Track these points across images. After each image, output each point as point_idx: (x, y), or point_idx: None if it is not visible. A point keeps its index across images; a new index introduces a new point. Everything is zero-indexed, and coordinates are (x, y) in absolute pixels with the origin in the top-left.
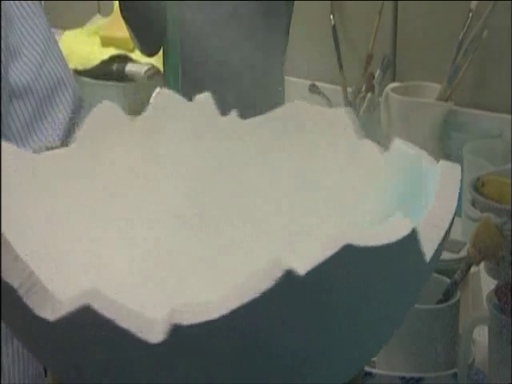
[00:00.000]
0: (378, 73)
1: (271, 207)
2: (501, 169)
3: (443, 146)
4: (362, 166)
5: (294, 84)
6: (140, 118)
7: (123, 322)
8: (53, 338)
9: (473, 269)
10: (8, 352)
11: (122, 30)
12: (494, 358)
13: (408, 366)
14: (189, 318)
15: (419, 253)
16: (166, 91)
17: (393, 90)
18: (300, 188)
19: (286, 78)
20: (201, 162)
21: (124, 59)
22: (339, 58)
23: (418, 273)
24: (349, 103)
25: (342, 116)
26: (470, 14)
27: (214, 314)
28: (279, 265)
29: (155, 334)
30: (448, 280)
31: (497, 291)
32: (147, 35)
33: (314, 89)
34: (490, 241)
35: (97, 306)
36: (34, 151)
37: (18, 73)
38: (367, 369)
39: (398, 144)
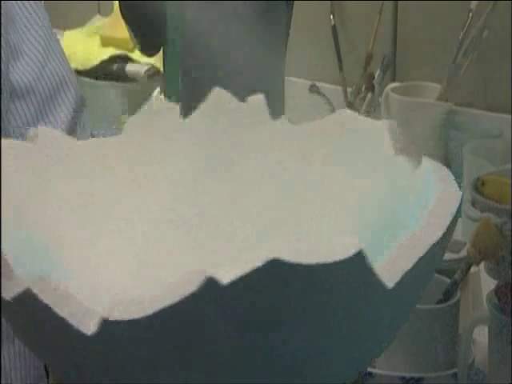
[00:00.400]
0: (377, 73)
1: (274, 209)
2: (501, 169)
3: (443, 146)
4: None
5: (294, 84)
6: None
7: (62, 310)
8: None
9: (473, 269)
10: (9, 353)
11: (122, 30)
12: (494, 358)
13: (408, 366)
14: (118, 315)
15: (369, 274)
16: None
17: (393, 90)
18: (312, 195)
19: (286, 78)
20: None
21: (124, 59)
22: (339, 58)
23: (375, 295)
24: (349, 103)
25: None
26: (470, 14)
27: (139, 313)
28: (203, 272)
29: (90, 326)
30: (448, 280)
31: (497, 291)
32: (147, 35)
33: (314, 89)
34: (490, 241)
35: (37, 291)
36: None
37: (20, 73)
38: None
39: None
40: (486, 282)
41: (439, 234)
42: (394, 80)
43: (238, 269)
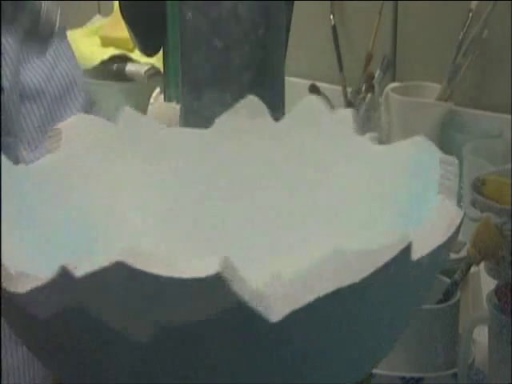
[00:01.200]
0: (377, 73)
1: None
2: (501, 169)
3: (443, 146)
4: (368, 166)
5: (294, 84)
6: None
7: None
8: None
9: (473, 269)
10: (18, 353)
11: (122, 30)
12: (494, 358)
13: (408, 366)
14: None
15: (227, 294)
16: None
17: (393, 90)
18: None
19: (286, 78)
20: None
21: (124, 59)
22: (339, 58)
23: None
24: (349, 103)
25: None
26: (470, 14)
27: None
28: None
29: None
30: (448, 280)
31: (497, 291)
32: (147, 35)
33: (313, 89)
34: (490, 241)
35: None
36: None
37: (31, 74)
38: None
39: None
40: (486, 281)
41: (444, 237)
42: (394, 80)
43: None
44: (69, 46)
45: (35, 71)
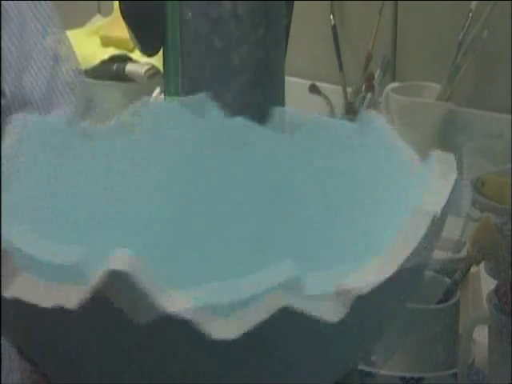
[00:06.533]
0: (378, 73)
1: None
2: (501, 169)
3: (443, 146)
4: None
5: (294, 84)
6: None
7: None
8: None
9: (473, 269)
10: (16, 373)
11: (122, 30)
12: (494, 358)
13: (408, 366)
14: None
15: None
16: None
17: (393, 90)
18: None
19: (286, 78)
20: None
21: (124, 59)
22: (339, 58)
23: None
24: (349, 103)
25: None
26: (470, 14)
27: None
28: None
29: None
30: (448, 280)
31: (497, 291)
32: (147, 35)
33: (314, 89)
34: (489, 241)
35: None
36: None
37: (33, 79)
38: (367, 369)
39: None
40: (486, 281)
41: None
42: (394, 80)
43: None
44: (70, 45)
45: (37, 77)
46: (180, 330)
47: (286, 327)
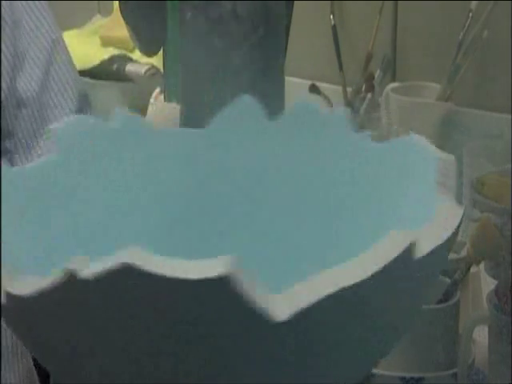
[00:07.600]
0: (377, 73)
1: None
2: (501, 169)
3: (443, 146)
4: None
5: (294, 84)
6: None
7: None
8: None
9: (473, 269)
10: (18, 371)
11: (122, 30)
12: (494, 358)
13: (408, 366)
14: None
15: (235, 298)
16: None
17: (393, 90)
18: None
19: (286, 78)
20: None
21: (124, 59)
22: (339, 58)
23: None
24: (349, 103)
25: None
26: (470, 14)
27: None
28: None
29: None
30: (448, 280)
31: (497, 291)
32: (147, 35)
33: (314, 89)
34: (489, 241)
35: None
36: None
37: (26, 80)
38: None
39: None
40: (486, 281)
41: (444, 237)
42: (394, 80)
43: None
44: (64, 45)
45: (30, 77)
46: None
47: None
